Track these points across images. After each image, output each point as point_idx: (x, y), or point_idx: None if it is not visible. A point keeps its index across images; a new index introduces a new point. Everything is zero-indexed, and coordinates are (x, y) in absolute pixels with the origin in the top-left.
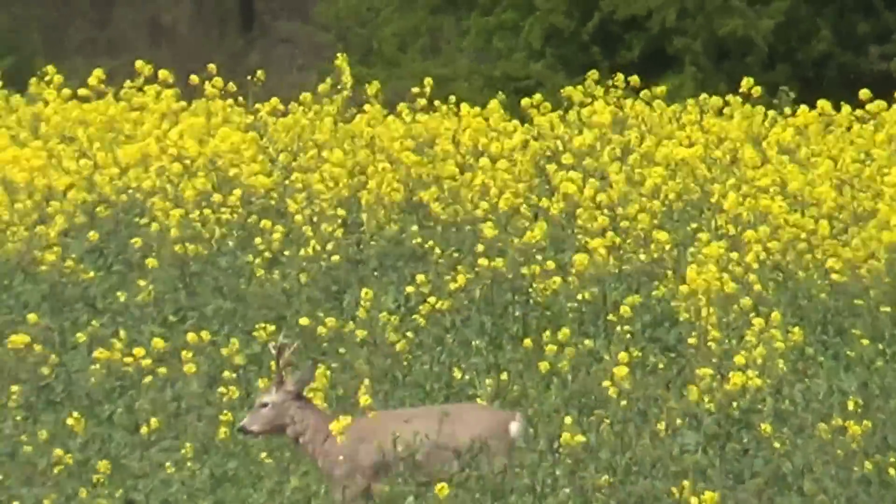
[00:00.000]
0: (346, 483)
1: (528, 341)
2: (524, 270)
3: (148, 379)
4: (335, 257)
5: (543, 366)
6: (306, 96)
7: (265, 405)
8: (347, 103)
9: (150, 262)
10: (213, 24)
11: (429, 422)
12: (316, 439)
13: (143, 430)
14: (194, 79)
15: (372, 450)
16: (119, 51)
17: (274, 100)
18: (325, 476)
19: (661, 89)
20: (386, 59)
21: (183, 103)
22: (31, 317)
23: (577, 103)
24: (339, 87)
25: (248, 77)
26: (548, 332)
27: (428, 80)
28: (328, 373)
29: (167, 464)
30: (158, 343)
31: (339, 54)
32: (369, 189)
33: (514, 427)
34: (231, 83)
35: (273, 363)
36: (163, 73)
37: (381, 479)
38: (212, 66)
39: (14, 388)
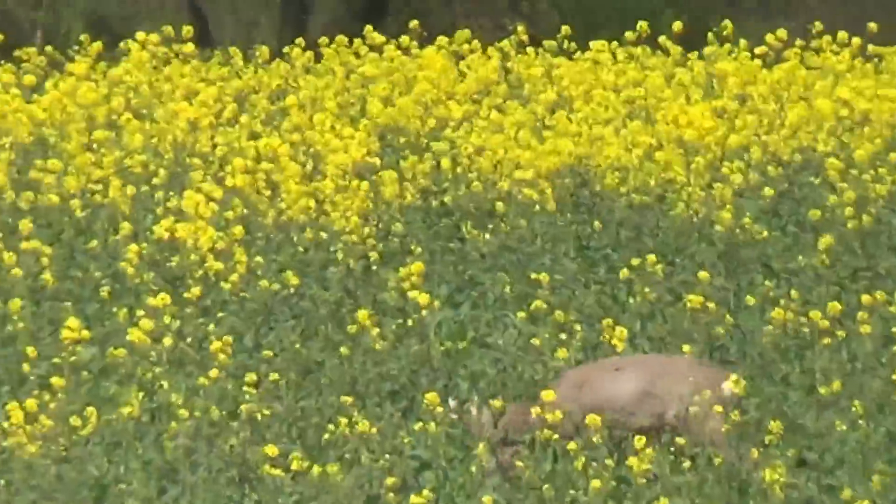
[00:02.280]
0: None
1: None
2: None
3: (825, 340)
4: None
5: None
6: None
7: None
8: None
9: (814, 213)
10: None
11: (640, 371)
12: None
13: (822, 390)
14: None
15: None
16: (794, 12)
17: None
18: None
19: None
20: None
21: (859, 64)
22: (703, 275)
23: None
24: None
25: None
26: None
27: None
28: None
29: (840, 423)
30: (834, 306)
31: None
32: None
33: (726, 386)
34: None
35: None
36: (841, 35)
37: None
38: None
39: (686, 347)
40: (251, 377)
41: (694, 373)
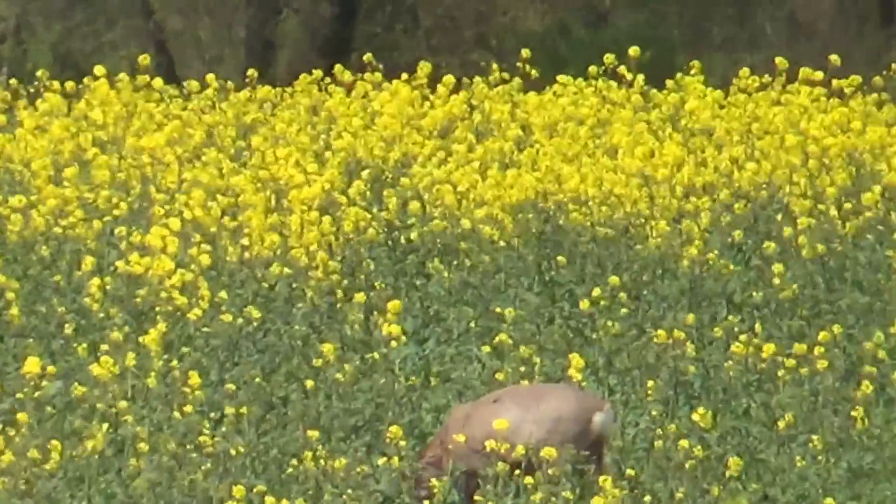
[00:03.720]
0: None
1: None
2: None
3: (781, 373)
4: None
5: None
6: None
7: None
8: None
9: (768, 245)
10: (852, 20)
11: (514, 403)
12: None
13: (780, 424)
14: (839, 82)
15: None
16: (758, 47)
17: None
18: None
19: None
20: None
21: (824, 99)
22: (690, 318)
23: None
24: None
25: (885, 72)
26: None
27: None
28: None
29: (801, 458)
30: (799, 346)
31: None
32: None
33: (598, 418)
34: (873, 79)
35: None
36: (804, 72)
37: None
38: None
39: (650, 382)
40: (215, 412)
41: (566, 403)
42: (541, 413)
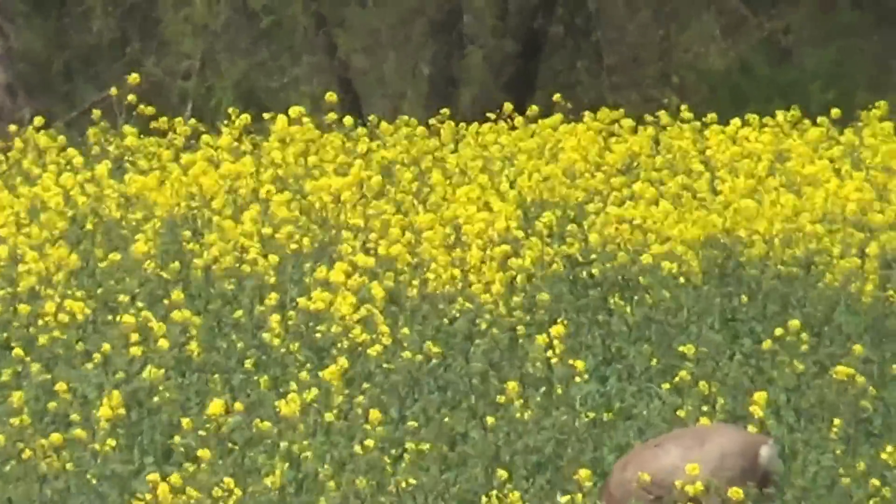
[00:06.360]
0: None
1: None
2: None
3: None
4: None
5: None
6: None
7: None
8: None
9: None
10: None
11: (677, 445)
12: None
13: None
14: None
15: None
16: None
17: None
18: None
19: None
20: None
21: None
22: (857, 348)
23: None
24: None
25: None
26: None
27: None
28: None
29: None
30: None
31: None
32: None
33: (764, 451)
34: None
35: None
36: None
37: None
38: None
39: (835, 420)
40: (396, 448)
41: (729, 439)
42: (704, 452)
